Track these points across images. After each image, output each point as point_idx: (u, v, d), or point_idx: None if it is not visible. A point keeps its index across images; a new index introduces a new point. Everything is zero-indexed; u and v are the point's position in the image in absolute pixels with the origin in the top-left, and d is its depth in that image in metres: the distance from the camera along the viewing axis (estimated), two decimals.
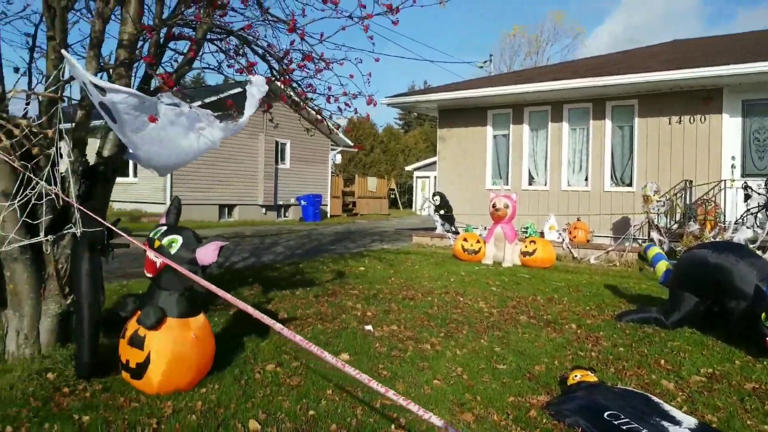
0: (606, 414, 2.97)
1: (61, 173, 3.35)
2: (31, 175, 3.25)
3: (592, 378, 3.38)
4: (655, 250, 5.98)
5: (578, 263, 9.55)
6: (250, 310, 2.69)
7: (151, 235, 3.39)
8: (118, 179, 4.78)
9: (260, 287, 6.51)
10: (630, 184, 11.00)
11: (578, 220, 10.92)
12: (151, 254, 3.31)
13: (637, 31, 62.31)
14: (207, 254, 3.25)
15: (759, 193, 8.92)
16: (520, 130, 12.15)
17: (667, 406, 3.16)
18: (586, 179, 11.52)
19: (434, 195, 11.64)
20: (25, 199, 3.37)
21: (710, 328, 4.80)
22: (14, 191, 3.34)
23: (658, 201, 9.66)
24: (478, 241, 9.19)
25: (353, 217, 25.62)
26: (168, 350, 3.25)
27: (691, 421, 2.98)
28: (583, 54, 46.53)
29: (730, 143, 10.10)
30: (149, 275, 3.36)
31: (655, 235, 9.50)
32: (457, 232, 11.40)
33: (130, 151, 4.15)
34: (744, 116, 10.07)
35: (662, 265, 5.64)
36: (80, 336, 3.37)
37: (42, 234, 3.48)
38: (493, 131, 12.53)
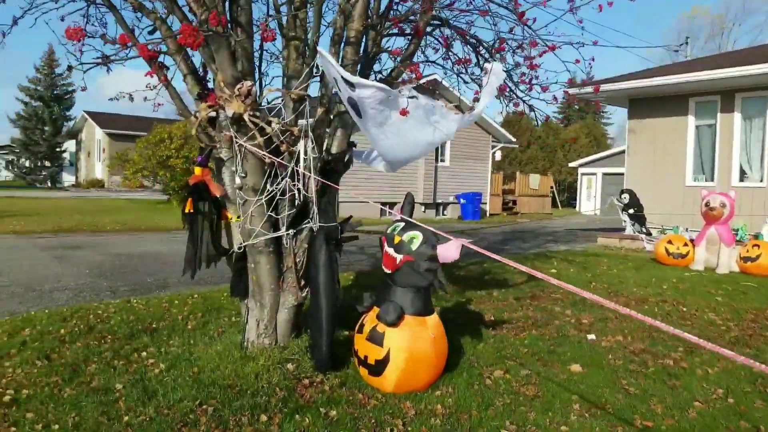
0: None
1: (303, 170, 3.43)
2: (288, 165, 3.36)
3: None
4: None
5: None
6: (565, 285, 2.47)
7: (389, 231, 3.36)
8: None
9: (452, 286, 6.36)
10: None
11: None
12: (390, 250, 3.27)
13: None
14: (450, 251, 3.15)
15: None
16: (729, 120, 10.62)
17: None
18: None
19: (622, 192, 10.68)
20: (271, 194, 3.51)
21: None
22: (261, 187, 3.49)
23: None
24: (685, 244, 8.19)
25: (514, 216, 24.78)
26: (406, 348, 3.18)
27: None
28: None
29: None
30: (387, 271, 3.33)
31: None
32: (649, 234, 10.35)
33: (357, 148, 4.21)
34: None
35: None
36: (318, 329, 3.42)
37: (283, 228, 3.61)
38: (695, 121, 11.12)
